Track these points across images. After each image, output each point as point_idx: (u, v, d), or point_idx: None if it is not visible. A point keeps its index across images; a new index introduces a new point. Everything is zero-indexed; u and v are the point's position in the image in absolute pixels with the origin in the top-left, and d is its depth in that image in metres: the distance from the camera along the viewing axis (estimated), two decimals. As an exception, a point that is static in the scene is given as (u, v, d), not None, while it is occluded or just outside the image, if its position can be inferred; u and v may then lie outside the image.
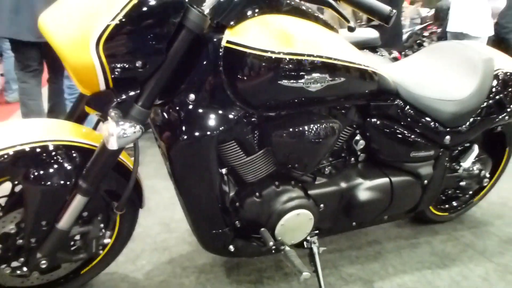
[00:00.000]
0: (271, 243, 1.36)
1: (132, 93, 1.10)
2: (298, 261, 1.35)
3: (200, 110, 1.19)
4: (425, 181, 1.66)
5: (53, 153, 1.15)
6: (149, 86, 1.10)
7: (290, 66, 1.18)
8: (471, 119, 1.64)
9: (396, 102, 1.54)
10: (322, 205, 1.49)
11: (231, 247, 1.43)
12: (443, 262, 1.77)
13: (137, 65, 1.07)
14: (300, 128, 1.30)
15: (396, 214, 1.74)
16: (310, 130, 1.30)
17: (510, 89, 1.69)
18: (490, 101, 1.66)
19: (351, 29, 1.16)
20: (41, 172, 1.13)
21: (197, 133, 1.18)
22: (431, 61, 1.72)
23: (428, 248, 1.87)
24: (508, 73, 1.70)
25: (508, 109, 1.70)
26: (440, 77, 1.64)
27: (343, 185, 1.54)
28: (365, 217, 1.63)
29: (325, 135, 1.32)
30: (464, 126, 1.63)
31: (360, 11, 1.08)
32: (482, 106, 1.64)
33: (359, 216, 1.61)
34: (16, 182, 1.25)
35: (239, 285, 1.59)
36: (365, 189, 1.55)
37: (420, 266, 1.74)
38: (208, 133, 1.20)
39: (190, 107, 1.19)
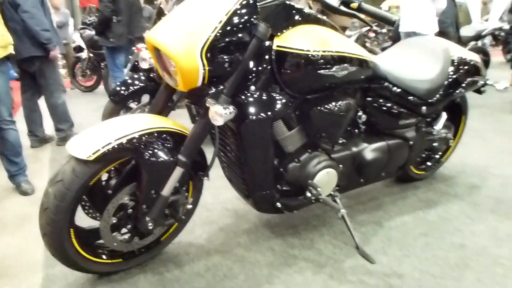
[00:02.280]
0: (314, 192, 1.81)
1: (220, 87, 1.52)
2: (335, 204, 1.82)
3: (260, 98, 1.63)
4: (411, 142, 2.20)
5: (158, 137, 1.55)
6: (231, 81, 1.53)
7: (325, 60, 1.66)
8: (439, 93, 2.19)
9: (386, 84, 2.06)
10: (341, 165, 1.97)
11: (278, 204, 1.87)
12: (429, 205, 2.31)
13: (226, 66, 1.50)
14: (330, 106, 1.78)
15: (391, 171, 2.25)
16: (336, 106, 1.79)
17: (462, 70, 2.27)
18: (450, 79, 2.23)
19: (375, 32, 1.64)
20: (153, 151, 1.53)
21: (261, 114, 1.62)
22: (405, 52, 2.27)
23: (415, 198, 2.41)
24: (460, 58, 2.28)
25: (463, 85, 2.28)
26: (414, 63, 2.18)
27: (354, 149, 2.03)
28: (370, 173, 2.12)
29: (346, 110, 1.81)
30: (434, 98, 2.18)
31: (374, 19, 1.58)
32: (445, 83, 2.20)
33: (366, 173, 2.10)
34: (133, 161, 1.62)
35: (282, 237, 2.02)
36: (370, 151, 2.06)
37: (412, 209, 2.27)
38: (269, 113, 1.64)
39: (254, 95, 1.62)
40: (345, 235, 2.01)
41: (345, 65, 1.73)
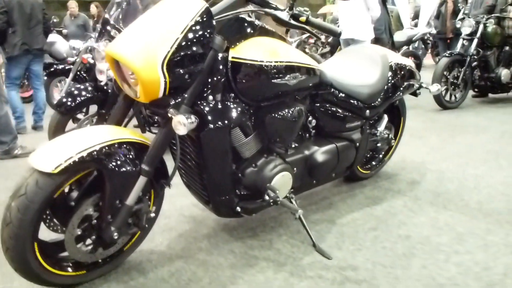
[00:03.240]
0: (272, 195, 1.91)
1: (180, 97, 1.57)
2: (292, 205, 1.93)
3: (219, 106, 1.70)
4: (357, 144, 2.36)
5: (120, 147, 1.58)
6: (191, 91, 1.59)
7: (277, 69, 1.77)
8: (380, 97, 2.37)
9: (332, 90, 2.20)
10: (295, 168, 2.08)
11: (238, 208, 1.94)
12: (375, 201, 2.48)
13: (186, 77, 1.56)
14: (283, 112, 1.89)
15: (340, 171, 2.40)
16: (289, 113, 1.90)
17: (399, 75, 2.47)
18: (389, 84, 2.42)
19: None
20: (116, 162, 1.55)
21: (220, 122, 1.69)
22: (347, 60, 2.43)
23: (362, 195, 2.58)
24: (397, 63, 2.48)
25: (401, 88, 2.48)
26: (356, 70, 2.35)
27: (306, 152, 2.15)
28: (322, 174, 2.26)
29: (298, 116, 1.93)
30: (376, 102, 2.36)
31: (320, 31, 1.71)
32: (385, 87, 2.39)
33: (318, 175, 2.23)
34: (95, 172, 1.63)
35: (242, 240, 2.10)
36: (321, 153, 2.19)
37: (361, 206, 2.43)
38: (227, 121, 1.71)
39: (211, 105, 1.69)
40: (301, 234, 2.12)
41: (296, 74, 1.84)
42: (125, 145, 1.60)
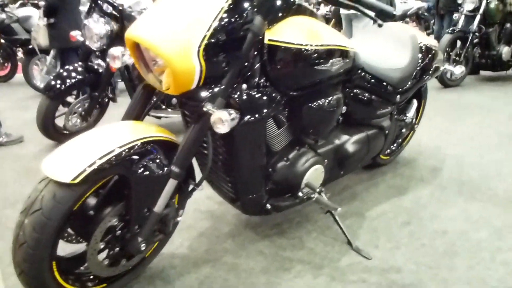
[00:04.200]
0: (307, 191, 1.75)
1: (216, 88, 1.37)
2: (329, 202, 1.77)
3: (254, 97, 1.50)
4: (386, 131, 2.21)
5: (147, 148, 1.37)
6: (227, 81, 1.38)
7: (319, 54, 1.57)
8: (410, 81, 2.22)
9: (363, 74, 2.02)
10: (326, 160, 1.92)
11: (268, 206, 1.78)
12: (400, 191, 2.36)
13: (223, 65, 1.35)
14: (321, 101, 1.70)
15: (366, 161, 2.25)
16: (327, 102, 1.71)
17: (428, 57, 2.31)
18: (419, 67, 2.26)
19: (380, 26, 1.55)
20: (144, 165, 1.35)
21: (256, 114, 1.49)
22: (375, 41, 2.25)
23: (385, 184, 2.45)
24: (426, 45, 2.32)
25: (430, 71, 2.33)
26: (386, 52, 2.17)
27: (337, 142, 1.99)
28: (352, 165, 2.11)
29: (337, 105, 1.75)
30: (406, 86, 2.20)
31: (372, 11, 1.51)
32: (415, 71, 2.22)
33: (347, 165, 2.08)
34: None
35: (269, 238, 1.94)
36: (352, 143, 2.03)
37: (386, 197, 2.30)
38: (263, 112, 1.52)
39: (245, 96, 1.49)
40: (332, 230, 1.98)
41: (338, 58, 1.65)
42: (152, 145, 1.39)
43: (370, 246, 1.86)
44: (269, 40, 1.49)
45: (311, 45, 1.55)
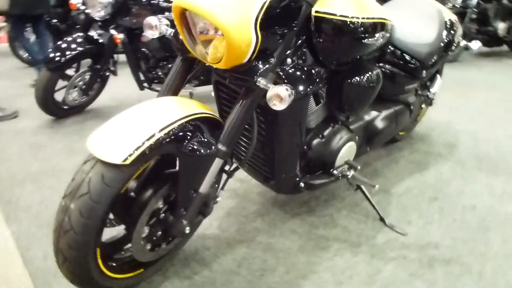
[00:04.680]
0: (344, 169, 1.72)
1: (268, 63, 1.29)
2: (367, 180, 1.74)
3: (299, 71, 1.43)
4: (412, 107, 2.18)
5: (195, 125, 1.28)
6: (279, 55, 1.30)
7: (367, 27, 1.50)
8: (436, 57, 2.17)
9: (392, 49, 1.97)
10: (357, 137, 1.88)
11: (302, 184, 1.73)
12: (421, 167, 2.35)
13: (278, 37, 1.27)
14: (361, 77, 1.64)
15: (390, 136, 2.23)
16: (368, 77, 1.66)
17: (453, 32, 2.27)
18: (444, 42, 2.21)
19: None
20: (193, 143, 1.27)
21: (301, 89, 1.42)
22: (402, 14, 2.18)
23: (404, 160, 2.44)
24: (450, 20, 2.27)
25: (453, 47, 2.29)
26: (412, 26, 2.12)
27: (367, 118, 1.95)
28: (379, 142, 2.07)
29: (377, 80, 1.69)
30: (432, 62, 2.16)
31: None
32: (441, 46, 2.18)
33: (375, 142, 2.04)
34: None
35: (299, 216, 1.90)
36: (381, 119, 1.99)
37: (408, 172, 2.29)
38: (309, 88, 1.45)
39: (294, 69, 1.42)
40: (361, 207, 1.96)
41: (381, 31, 1.59)
42: (198, 122, 1.31)
43: (402, 223, 1.85)
44: (316, 12, 1.41)
45: (358, 18, 1.47)
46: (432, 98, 2.46)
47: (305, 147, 1.69)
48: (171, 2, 2.97)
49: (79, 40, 2.92)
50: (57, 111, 3.05)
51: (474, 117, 3.10)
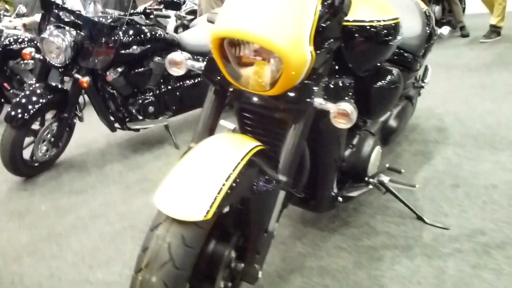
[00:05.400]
0: (382, 178, 1.68)
1: (317, 81, 1.21)
2: (406, 182, 1.72)
3: (335, 83, 1.38)
4: (413, 100, 2.20)
5: (255, 163, 1.17)
6: (324, 71, 1.24)
7: (390, 29, 1.47)
8: (424, 47, 2.22)
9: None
10: (378, 140, 1.86)
11: (340, 199, 1.68)
12: (426, 156, 2.39)
13: (325, 53, 1.21)
14: (386, 79, 1.62)
15: (402, 132, 2.23)
16: (391, 78, 1.63)
17: (432, 22, 2.33)
18: (428, 32, 2.27)
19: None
20: (259, 183, 1.16)
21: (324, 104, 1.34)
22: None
23: (408, 153, 2.46)
24: (427, 10, 2.33)
25: (435, 35, 2.36)
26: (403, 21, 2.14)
27: (382, 119, 1.94)
28: (394, 140, 2.07)
29: (399, 79, 1.68)
30: (422, 53, 2.20)
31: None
32: (426, 36, 2.23)
33: (390, 141, 2.04)
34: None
35: (336, 231, 1.84)
36: (394, 118, 2.00)
37: (417, 164, 2.31)
38: (346, 98, 1.40)
39: (330, 84, 1.36)
40: (391, 208, 1.94)
41: (400, 30, 1.57)
42: (255, 158, 1.20)
43: (439, 216, 1.85)
44: (345, 21, 1.36)
45: (384, 20, 1.45)
46: (422, 88, 2.51)
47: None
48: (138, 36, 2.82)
49: (39, 91, 2.67)
50: (27, 170, 2.76)
51: (448, 98, 3.23)
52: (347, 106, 1.13)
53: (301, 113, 1.23)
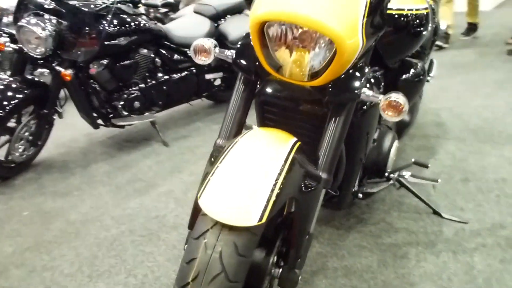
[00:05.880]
0: (404, 173, 1.63)
1: (360, 72, 1.12)
2: (428, 177, 1.67)
3: (375, 77, 1.31)
4: (421, 93, 2.17)
5: (296, 161, 1.06)
6: (367, 60, 1.16)
7: (422, 18, 1.41)
8: (431, 40, 2.18)
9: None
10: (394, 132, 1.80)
11: (360, 195, 1.61)
12: (430, 152, 2.36)
13: (372, 40, 1.12)
14: (412, 72, 1.56)
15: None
16: (419, 69, 1.57)
17: (437, 16, 2.30)
18: (433, 26, 2.23)
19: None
20: (304, 180, 1.06)
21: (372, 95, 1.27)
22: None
23: (411, 148, 2.43)
24: (432, 4, 2.30)
25: (438, 31, 2.33)
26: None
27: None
28: (406, 132, 2.03)
29: (424, 71, 1.62)
30: (430, 45, 2.17)
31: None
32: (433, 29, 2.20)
33: (403, 134, 2.00)
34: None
35: (354, 230, 1.77)
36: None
37: (423, 159, 2.24)
38: (380, 90, 1.32)
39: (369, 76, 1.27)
40: (406, 204, 1.89)
41: (429, 21, 1.51)
42: (299, 155, 1.09)
43: (455, 210, 1.82)
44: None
45: (418, 9, 1.39)
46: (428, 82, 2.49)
47: (363, 156, 1.57)
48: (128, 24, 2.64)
49: (14, 85, 2.44)
50: (3, 172, 2.53)
51: (440, 95, 3.23)
52: (400, 98, 1.05)
53: (345, 105, 1.14)
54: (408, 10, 1.35)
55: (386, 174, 1.66)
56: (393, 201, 1.92)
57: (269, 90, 1.23)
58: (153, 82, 2.92)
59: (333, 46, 1.00)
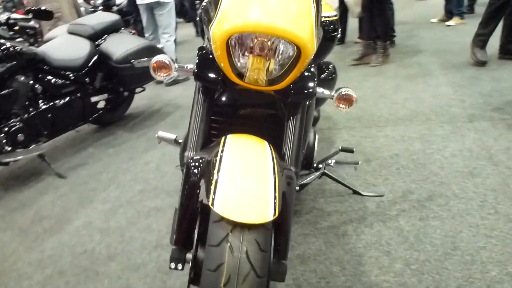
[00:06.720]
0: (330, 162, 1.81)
1: (310, 72, 1.25)
2: (348, 159, 1.87)
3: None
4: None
5: (278, 160, 1.14)
6: (314, 60, 1.28)
7: (336, 24, 1.60)
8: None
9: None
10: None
11: (297, 188, 1.74)
12: (323, 134, 2.63)
13: (318, 42, 1.25)
14: (329, 70, 1.74)
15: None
16: (332, 69, 1.76)
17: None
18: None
19: None
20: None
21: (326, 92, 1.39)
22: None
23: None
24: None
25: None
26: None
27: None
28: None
29: (335, 72, 1.81)
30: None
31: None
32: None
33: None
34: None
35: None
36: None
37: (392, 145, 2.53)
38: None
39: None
40: (327, 190, 2.08)
41: (339, 27, 1.71)
42: (275, 154, 1.15)
43: (370, 187, 2.07)
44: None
45: (332, 16, 1.57)
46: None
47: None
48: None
49: None
50: None
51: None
52: (349, 91, 1.21)
53: (300, 104, 1.24)
54: (324, 17, 1.53)
55: (315, 164, 1.82)
56: (316, 190, 2.10)
57: (229, 97, 1.27)
58: (36, 110, 2.64)
59: (294, 51, 1.09)
